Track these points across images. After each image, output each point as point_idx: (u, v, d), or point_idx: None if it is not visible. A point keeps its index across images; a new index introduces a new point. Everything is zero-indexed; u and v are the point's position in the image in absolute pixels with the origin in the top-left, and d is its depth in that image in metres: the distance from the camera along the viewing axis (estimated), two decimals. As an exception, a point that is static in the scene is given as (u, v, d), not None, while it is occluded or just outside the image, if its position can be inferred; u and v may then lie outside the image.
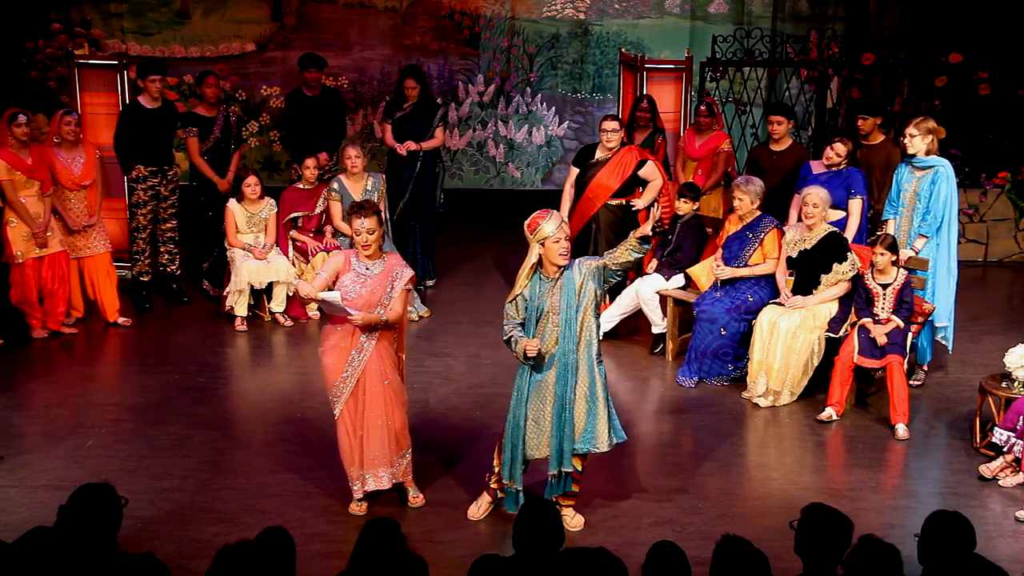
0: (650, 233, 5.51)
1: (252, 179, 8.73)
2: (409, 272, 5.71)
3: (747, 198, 7.71)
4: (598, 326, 5.55)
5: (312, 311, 8.92)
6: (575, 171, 8.55)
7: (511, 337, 5.49)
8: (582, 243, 8.26)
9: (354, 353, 5.63)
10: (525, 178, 12.59)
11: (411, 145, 9.38)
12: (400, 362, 5.89)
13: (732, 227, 7.90)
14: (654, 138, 9.15)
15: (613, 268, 5.50)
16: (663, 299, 8.23)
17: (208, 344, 8.42)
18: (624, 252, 5.49)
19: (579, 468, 5.64)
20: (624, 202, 8.42)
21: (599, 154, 8.43)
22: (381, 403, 5.69)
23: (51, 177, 8.28)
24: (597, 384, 5.54)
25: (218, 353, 8.30)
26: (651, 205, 8.59)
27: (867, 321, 7.07)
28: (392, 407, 5.74)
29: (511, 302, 5.53)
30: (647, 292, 8.22)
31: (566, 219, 8.37)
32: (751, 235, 7.75)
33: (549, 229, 5.38)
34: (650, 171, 8.39)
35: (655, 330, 8.29)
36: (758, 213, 7.77)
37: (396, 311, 5.64)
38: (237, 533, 5.30)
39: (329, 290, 5.57)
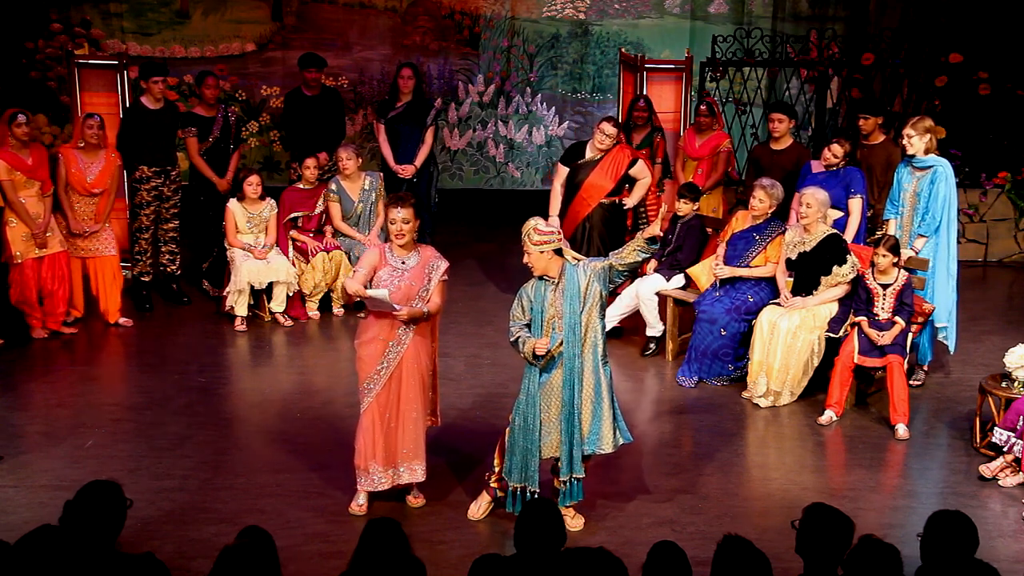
0: (658, 233, 5.51)
1: (254, 178, 8.73)
2: (445, 263, 5.73)
3: (768, 201, 7.69)
4: (603, 327, 5.55)
5: (312, 311, 8.92)
6: (564, 170, 8.51)
7: (518, 338, 5.49)
8: (575, 242, 8.27)
9: (391, 345, 5.65)
10: (525, 178, 12.59)
11: (411, 170, 9.46)
12: (434, 351, 5.90)
13: (739, 224, 7.89)
14: (652, 137, 9.16)
15: (619, 269, 5.51)
16: (663, 299, 8.23)
17: (208, 344, 8.41)
18: (631, 252, 5.49)
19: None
20: (616, 200, 8.42)
21: (589, 153, 8.41)
22: (417, 395, 5.73)
23: (64, 179, 8.30)
24: (602, 385, 5.54)
25: (218, 353, 8.30)
26: (640, 203, 8.63)
27: (863, 320, 7.06)
28: (425, 400, 5.79)
29: (518, 303, 5.55)
30: (646, 293, 8.21)
31: (556, 217, 8.44)
32: (757, 237, 7.73)
33: None
34: (640, 169, 8.42)
35: (650, 332, 8.26)
36: (769, 215, 7.76)
37: (436, 302, 5.69)
38: (237, 533, 5.29)
39: (368, 285, 5.60)
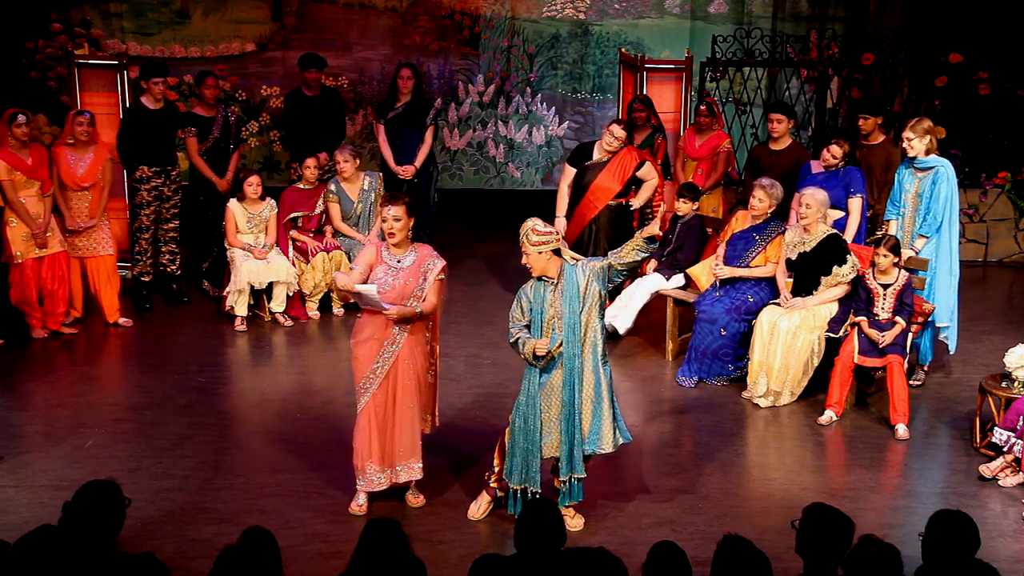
0: (658, 232, 5.51)
1: (254, 178, 8.73)
2: (441, 262, 5.71)
3: (767, 201, 7.68)
4: (602, 327, 5.55)
5: (312, 311, 8.92)
6: (571, 171, 8.52)
7: (518, 339, 5.49)
8: (581, 244, 8.27)
9: (386, 344, 5.64)
10: (525, 178, 12.58)
11: (411, 170, 9.47)
12: (434, 352, 5.89)
13: (739, 224, 7.88)
14: (654, 138, 9.16)
15: (619, 268, 5.50)
16: (661, 302, 8.23)
17: (208, 344, 8.41)
18: (630, 252, 5.49)
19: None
20: (623, 202, 8.43)
21: (596, 155, 8.42)
22: (412, 394, 5.72)
23: (56, 176, 8.30)
24: (603, 385, 5.54)
25: (218, 353, 8.30)
26: (647, 205, 8.64)
27: (863, 320, 7.06)
28: (421, 399, 5.79)
29: (517, 304, 5.54)
30: (641, 294, 8.21)
31: (563, 219, 8.45)
32: (757, 237, 7.73)
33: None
34: (647, 171, 8.42)
35: (616, 324, 8.15)
36: (768, 215, 7.76)
37: (431, 302, 5.67)
38: (237, 533, 5.26)
39: (364, 283, 5.59)
